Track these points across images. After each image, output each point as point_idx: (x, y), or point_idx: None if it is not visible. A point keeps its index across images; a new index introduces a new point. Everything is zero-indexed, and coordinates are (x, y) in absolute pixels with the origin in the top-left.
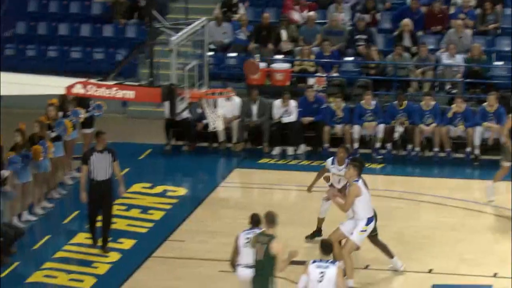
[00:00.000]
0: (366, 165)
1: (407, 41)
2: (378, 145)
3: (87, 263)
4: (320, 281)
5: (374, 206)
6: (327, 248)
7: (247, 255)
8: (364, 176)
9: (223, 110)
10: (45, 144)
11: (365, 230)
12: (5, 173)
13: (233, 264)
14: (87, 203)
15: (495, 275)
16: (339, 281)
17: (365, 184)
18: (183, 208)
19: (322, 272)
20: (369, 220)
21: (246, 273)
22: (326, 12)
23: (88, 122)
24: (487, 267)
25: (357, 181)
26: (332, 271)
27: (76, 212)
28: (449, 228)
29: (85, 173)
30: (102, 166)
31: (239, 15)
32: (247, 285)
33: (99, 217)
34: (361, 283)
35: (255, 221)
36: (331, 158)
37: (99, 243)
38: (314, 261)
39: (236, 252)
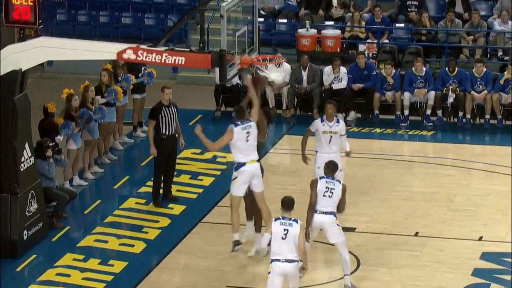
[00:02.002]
0: (417, 132)
1: (459, 7)
2: (429, 112)
3: (138, 228)
4: (284, 238)
5: (425, 173)
6: (288, 204)
7: (325, 202)
8: (415, 143)
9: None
10: (103, 109)
11: (235, 178)
12: (60, 138)
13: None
14: (157, 158)
15: None
16: (301, 239)
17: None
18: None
19: (285, 230)
20: (238, 165)
21: (321, 220)
22: None
23: (138, 88)
24: None
25: (236, 125)
26: (295, 228)
27: (126, 177)
28: (499, 196)
29: (152, 127)
30: (170, 121)
31: None
32: (317, 231)
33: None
34: (410, 250)
35: (331, 169)
36: (319, 118)
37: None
38: (277, 219)
39: (315, 196)
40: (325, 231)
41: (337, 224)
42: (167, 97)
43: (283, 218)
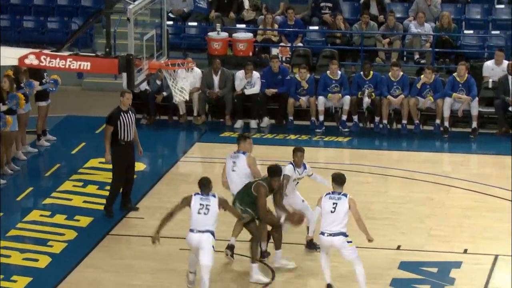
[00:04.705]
0: (333, 138)
1: (374, 9)
2: (344, 117)
3: (42, 242)
4: (333, 212)
5: None
6: (340, 180)
7: (201, 220)
8: (330, 149)
9: (184, 82)
10: (4, 117)
11: None
12: None
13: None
14: (117, 165)
15: (465, 251)
16: (355, 211)
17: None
18: (142, 184)
19: (334, 203)
20: None
21: (195, 238)
22: None
23: (42, 95)
24: (457, 243)
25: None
26: (344, 202)
27: (30, 189)
28: (417, 203)
29: (109, 133)
30: (129, 127)
31: None
32: (194, 250)
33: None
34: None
35: (205, 185)
36: (291, 165)
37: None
38: (327, 194)
39: (175, 211)
40: (201, 250)
41: (211, 243)
42: (127, 102)
43: (333, 193)
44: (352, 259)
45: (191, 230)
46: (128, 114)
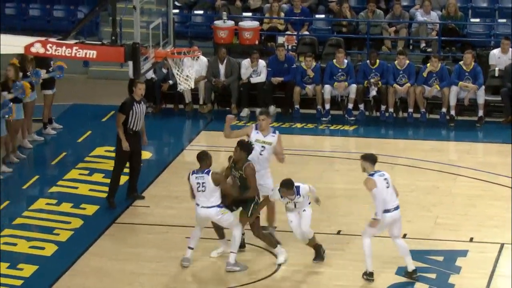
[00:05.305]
0: (339, 126)
1: None
2: (350, 106)
3: (48, 230)
4: (388, 187)
5: (347, 169)
6: (374, 159)
7: (200, 197)
8: (336, 138)
9: (190, 70)
10: (9, 104)
11: None
12: None
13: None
14: (121, 154)
15: (471, 240)
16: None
17: None
18: (148, 173)
19: (386, 179)
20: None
21: (202, 212)
22: None
23: (49, 83)
24: (463, 231)
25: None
26: (389, 175)
27: (36, 177)
28: (424, 192)
29: (121, 122)
30: (140, 117)
31: None
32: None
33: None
34: (335, 248)
35: (200, 159)
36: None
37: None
38: (372, 174)
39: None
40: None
41: (222, 214)
42: (139, 92)
43: (376, 172)
44: (400, 232)
45: (197, 204)
46: (140, 105)
